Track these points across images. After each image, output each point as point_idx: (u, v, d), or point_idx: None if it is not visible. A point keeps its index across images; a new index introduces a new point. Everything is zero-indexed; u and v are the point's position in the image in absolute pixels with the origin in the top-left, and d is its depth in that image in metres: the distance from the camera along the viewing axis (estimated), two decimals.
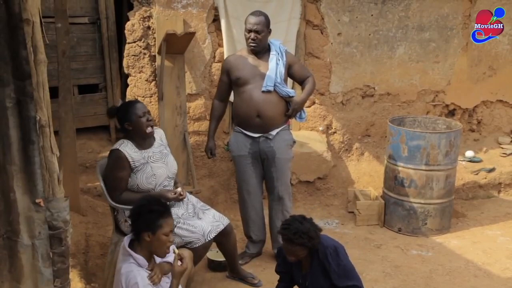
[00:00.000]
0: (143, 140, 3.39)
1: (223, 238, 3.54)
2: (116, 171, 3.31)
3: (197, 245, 3.27)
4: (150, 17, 4.96)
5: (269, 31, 3.91)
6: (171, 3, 4.92)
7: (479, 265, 4.12)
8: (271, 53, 3.89)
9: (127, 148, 3.32)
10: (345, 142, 5.65)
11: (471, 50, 5.79)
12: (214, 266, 3.94)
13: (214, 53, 5.17)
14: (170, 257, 2.81)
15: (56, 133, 2.45)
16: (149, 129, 3.36)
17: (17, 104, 1.90)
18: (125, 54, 5.06)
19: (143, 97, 5.12)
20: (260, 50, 3.87)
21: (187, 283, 3.02)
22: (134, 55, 5.03)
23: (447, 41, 5.72)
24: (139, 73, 5.08)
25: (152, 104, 5.13)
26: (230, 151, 4.08)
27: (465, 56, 5.80)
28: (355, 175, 5.53)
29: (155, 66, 5.00)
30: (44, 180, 1.97)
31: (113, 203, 3.42)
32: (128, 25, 4.98)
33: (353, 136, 5.68)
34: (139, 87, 5.10)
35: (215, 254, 3.87)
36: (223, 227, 3.45)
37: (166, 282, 2.74)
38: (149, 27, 4.98)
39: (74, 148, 4.35)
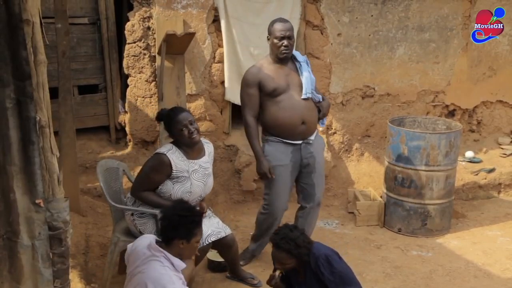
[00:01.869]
0: (190, 149, 3.36)
1: (224, 248, 3.55)
2: (152, 173, 3.30)
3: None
4: (150, 17, 4.96)
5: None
6: (171, 4, 4.92)
7: (479, 265, 4.12)
8: (300, 60, 3.82)
9: (174, 156, 3.29)
10: (345, 143, 5.65)
11: (471, 50, 5.80)
12: (213, 266, 3.94)
13: (214, 54, 5.17)
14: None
15: (56, 133, 2.45)
16: (194, 138, 3.30)
17: (17, 105, 1.90)
18: (125, 54, 5.06)
19: (143, 97, 5.12)
20: (289, 57, 3.78)
21: (188, 283, 3.02)
22: (134, 56, 5.03)
23: (447, 41, 5.72)
24: (139, 73, 5.08)
25: (152, 105, 5.13)
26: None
27: (465, 57, 5.80)
28: (355, 176, 5.53)
29: (155, 66, 5.00)
30: (44, 181, 1.97)
31: (113, 204, 3.42)
32: (128, 25, 4.99)
33: (353, 136, 5.68)
34: (139, 88, 5.10)
35: (214, 254, 3.87)
36: (224, 235, 3.44)
37: None
38: (149, 28, 4.99)
39: (74, 148, 4.35)
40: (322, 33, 5.43)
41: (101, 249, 4.07)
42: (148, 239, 2.78)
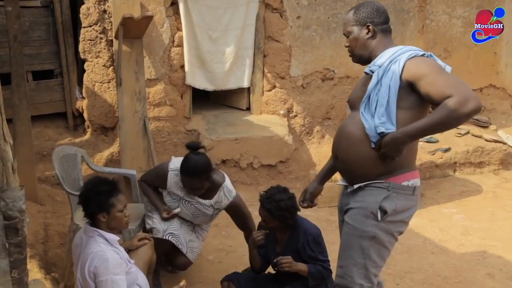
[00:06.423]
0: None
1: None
2: (154, 173, 3.38)
3: (157, 236, 3.22)
4: (105, 0, 4.84)
5: (370, 30, 2.45)
6: None
7: (436, 242, 4.26)
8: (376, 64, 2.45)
9: (176, 178, 3.26)
10: (306, 125, 5.70)
11: (427, 32, 5.92)
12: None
13: (173, 37, 5.10)
14: None
15: (10, 121, 2.37)
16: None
17: None
18: (80, 38, 4.93)
19: (100, 82, 5.02)
20: (362, 60, 2.55)
21: (149, 270, 3.01)
22: (90, 40, 4.91)
23: (403, 24, 5.81)
24: (96, 58, 4.97)
25: (111, 90, 5.04)
26: None
27: (421, 39, 5.92)
28: (316, 158, 5.59)
29: (112, 51, 4.90)
30: None
31: (69, 191, 3.36)
32: (83, 8, 4.86)
33: (314, 119, 5.73)
34: (96, 73, 5.00)
35: None
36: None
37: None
38: (105, 11, 4.87)
39: (29, 136, 4.23)
40: (281, 16, 5.43)
41: (61, 238, 4.00)
42: (83, 228, 2.77)
